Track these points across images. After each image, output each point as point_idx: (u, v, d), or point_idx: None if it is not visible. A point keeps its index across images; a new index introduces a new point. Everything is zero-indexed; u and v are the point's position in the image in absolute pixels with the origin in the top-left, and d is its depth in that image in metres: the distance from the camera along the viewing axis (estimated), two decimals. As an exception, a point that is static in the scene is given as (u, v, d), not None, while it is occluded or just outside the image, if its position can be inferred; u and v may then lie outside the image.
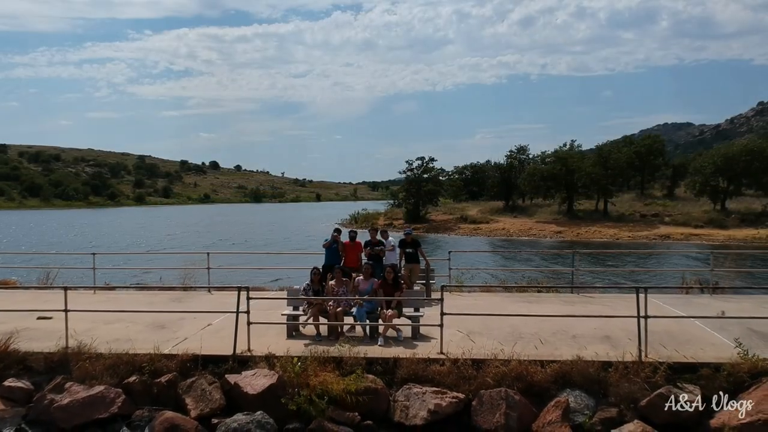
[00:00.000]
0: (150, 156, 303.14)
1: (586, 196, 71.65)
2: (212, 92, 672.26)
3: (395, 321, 12.23)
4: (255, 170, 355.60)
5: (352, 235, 16.37)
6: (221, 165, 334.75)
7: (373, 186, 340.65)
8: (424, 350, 11.32)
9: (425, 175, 79.25)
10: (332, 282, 12.88)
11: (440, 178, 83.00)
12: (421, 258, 16.47)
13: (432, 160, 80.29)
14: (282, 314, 12.69)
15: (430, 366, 10.66)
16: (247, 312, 11.47)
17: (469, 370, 10.53)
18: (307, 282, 12.93)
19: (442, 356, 10.92)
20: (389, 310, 12.14)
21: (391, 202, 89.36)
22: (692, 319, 13.13)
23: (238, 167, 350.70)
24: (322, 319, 12.35)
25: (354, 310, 12.28)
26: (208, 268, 18.52)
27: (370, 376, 10.54)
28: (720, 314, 13.82)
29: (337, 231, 16.44)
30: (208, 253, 18.68)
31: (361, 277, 12.90)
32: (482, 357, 10.81)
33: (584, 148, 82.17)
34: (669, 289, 18.28)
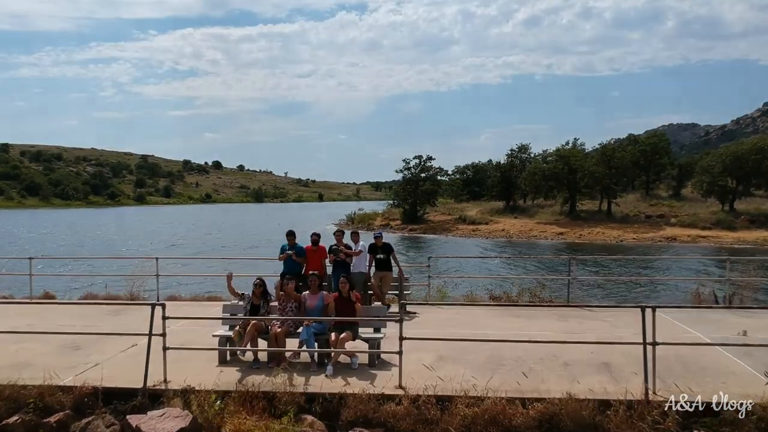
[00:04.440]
0: (153, 155, 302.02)
1: (589, 196, 69.19)
2: (217, 92, 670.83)
3: (349, 345, 10.13)
4: (258, 170, 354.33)
5: (314, 239, 14.27)
6: (225, 165, 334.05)
7: (377, 186, 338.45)
8: (380, 383, 9.19)
9: (423, 175, 77.13)
10: (281, 294, 10.72)
11: (439, 177, 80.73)
12: (394, 265, 14.38)
13: (430, 158, 78.31)
14: (214, 335, 10.57)
15: (383, 405, 8.53)
16: (163, 335, 9.37)
17: (432, 411, 8.39)
18: (248, 293, 10.79)
19: (400, 392, 8.78)
20: (343, 333, 10.01)
21: (391, 201, 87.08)
22: (707, 337, 10.99)
23: (240, 167, 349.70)
24: (261, 343, 10.26)
25: (301, 330, 10.15)
26: (157, 276, 16.44)
27: (308, 418, 8.44)
28: (741, 334, 11.72)
29: (292, 234, 14.35)
30: (156, 258, 16.60)
31: (308, 292, 10.74)
32: (449, 393, 8.68)
33: (588, 148, 79.63)
34: (675, 302, 16.16)
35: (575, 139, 79.46)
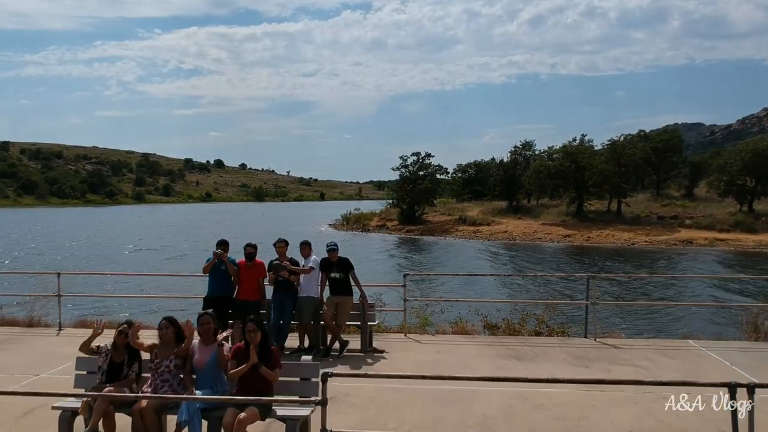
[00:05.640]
0: (154, 154, 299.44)
1: (597, 195, 65.10)
2: (222, 91, 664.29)
3: (256, 427, 6.53)
4: (260, 169, 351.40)
5: (249, 252, 10.72)
6: (228, 164, 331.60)
7: (380, 185, 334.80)
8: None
9: (421, 173, 72.95)
10: (148, 346, 7.06)
11: (438, 176, 76.54)
12: (354, 286, 10.83)
13: (429, 155, 73.94)
14: (54, 407, 6.93)
15: None
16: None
17: None
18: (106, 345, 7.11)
19: None
20: (243, 411, 6.39)
21: (390, 201, 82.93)
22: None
23: (243, 166, 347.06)
24: (123, 421, 6.63)
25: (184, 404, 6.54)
26: (59, 296, 12.86)
27: None
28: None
29: (224, 243, 10.81)
30: (58, 274, 13.02)
31: (198, 340, 7.10)
32: None
33: (595, 145, 75.42)
34: (725, 335, 12.47)
35: (583, 135, 75.39)
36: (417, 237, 62.71)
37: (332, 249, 10.78)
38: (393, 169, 74.40)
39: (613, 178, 60.93)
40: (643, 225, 57.57)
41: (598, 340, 11.58)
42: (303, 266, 10.71)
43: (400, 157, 74.01)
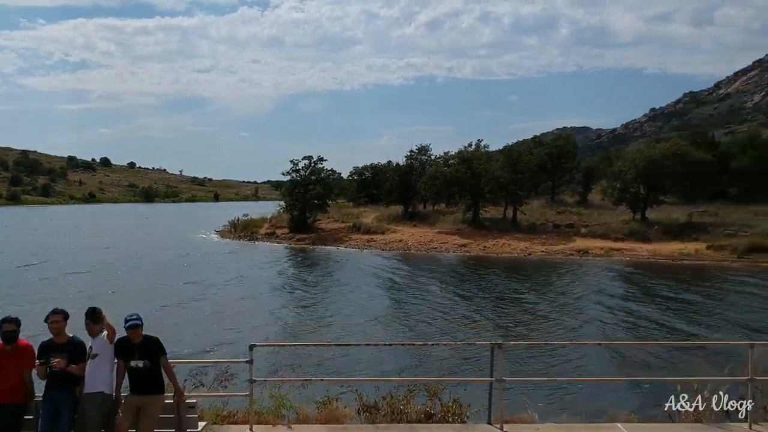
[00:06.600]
0: (35, 151, 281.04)
1: (492, 202, 63.81)
2: (111, 86, 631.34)
3: None
4: (150, 168, 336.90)
5: (9, 331, 7.31)
6: (116, 162, 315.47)
7: (277, 185, 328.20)
8: None
9: (313, 177, 69.27)
10: None
11: (331, 179, 73.03)
12: (167, 378, 7.55)
13: (321, 159, 70.33)
14: None
15: None
16: None
17: None
18: None
19: None
20: None
21: (281, 205, 78.51)
22: None
23: (131, 164, 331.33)
24: None
25: None
26: None
27: None
28: None
29: None
30: None
31: None
32: None
33: (491, 149, 74.39)
34: (656, 413, 9.91)
35: (479, 140, 74.10)
36: (308, 246, 59.19)
37: (134, 325, 7.38)
38: (283, 174, 70.44)
39: (508, 185, 59.77)
40: (539, 233, 56.61)
41: (505, 428, 8.80)
42: (90, 349, 7.34)
43: (291, 161, 70.03)
